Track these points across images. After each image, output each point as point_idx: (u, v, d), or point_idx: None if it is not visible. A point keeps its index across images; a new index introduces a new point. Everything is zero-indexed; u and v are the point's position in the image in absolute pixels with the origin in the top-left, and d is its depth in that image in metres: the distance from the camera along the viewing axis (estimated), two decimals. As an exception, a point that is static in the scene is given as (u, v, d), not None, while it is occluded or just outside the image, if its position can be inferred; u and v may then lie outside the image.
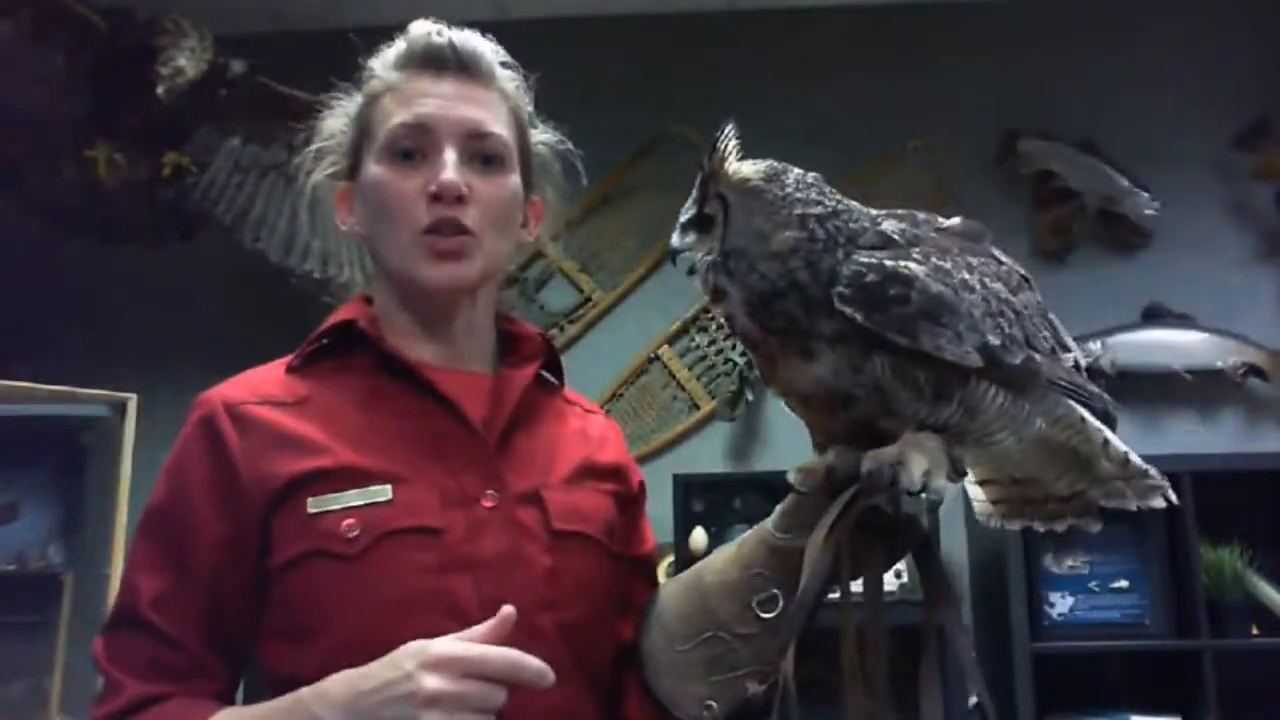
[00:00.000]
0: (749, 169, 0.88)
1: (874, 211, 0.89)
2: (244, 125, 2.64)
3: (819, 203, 0.85)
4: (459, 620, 0.87)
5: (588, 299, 3.12)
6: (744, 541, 0.95)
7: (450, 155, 0.98)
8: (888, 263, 0.82)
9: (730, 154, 0.88)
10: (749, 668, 0.91)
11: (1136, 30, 3.09)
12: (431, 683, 0.79)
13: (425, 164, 0.98)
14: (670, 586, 0.99)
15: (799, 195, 0.85)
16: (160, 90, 2.56)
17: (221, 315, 2.88)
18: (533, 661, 0.82)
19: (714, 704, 0.91)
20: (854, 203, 0.88)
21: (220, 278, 2.89)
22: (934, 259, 0.84)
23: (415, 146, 0.99)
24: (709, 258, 0.89)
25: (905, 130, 2.95)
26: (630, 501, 1.08)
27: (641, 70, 3.17)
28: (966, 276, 0.85)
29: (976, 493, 1.00)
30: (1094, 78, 3.06)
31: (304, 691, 0.85)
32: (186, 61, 2.56)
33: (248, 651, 0.95)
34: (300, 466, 0.92)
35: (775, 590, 0.90)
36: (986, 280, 0.86)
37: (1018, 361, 0.84)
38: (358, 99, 1.05)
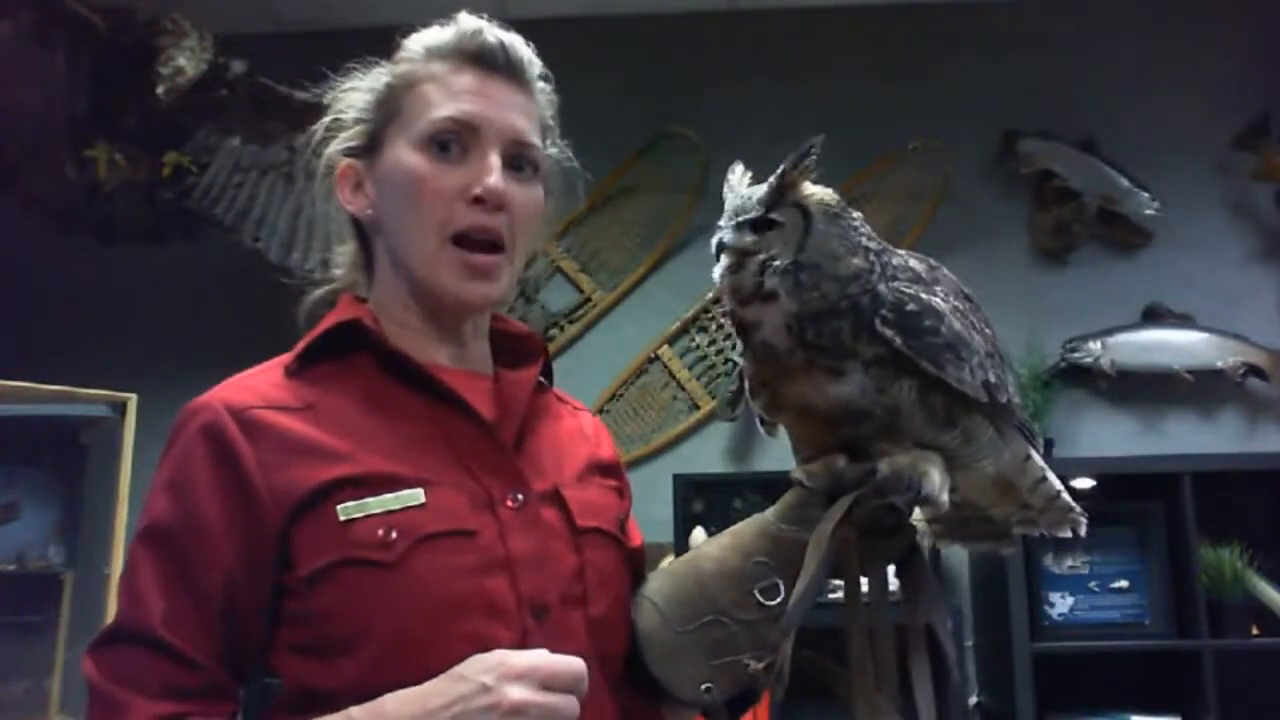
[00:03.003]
0: (827, 193, 0.93)
1: (900, 250, 0.96)
2: (244, 125, 2.63)
3: (872, 238, 0.93)
4: (501, 620, 0.88)
5: (588, 299, 3.13)
6: (740, 531, 0.98)
7: (495, 159, 0.96)
8: (923, 295, 0.90)
9: (812, 169, 0.93)
10: (748, 651, 0.93)
11: (1137, 30, 3.09)
12: (516, 693, 0.80)
13: (464, 163, 0.96)
14: (664, 572, 1.01)
15: (862, 229, 0.93)
16: (160, 90, 2.56)
17: (221, 315, 2.88)
18: (586, 674, 0.84)
19: (712, 685, 0.94)
20: (885, 242, 0.95)
21: (220, 278, 2.89)
22: (951, 299, 0.93)
23: (457, 142, 0.96)
24: (776, 263, 0.91)
25: (905, 130, 2.95)
26: (625, 496, 1.10)
27: (641, 70, 3.17)
28: (973, 319, 0.94)
29: (916, 513, 1.05)
30: (1094, 78, 3.06)
31: (354, 713, 0.83)
32: (186, 61, 2.56)
33: (251, 667, 0.91)
34: (324, 475, 0.88)
35: (777, 579, 0.94)
36: (982, 326, 0.96)
37: (1004, 400, 0.95)
38: (383, 76, 1.01)
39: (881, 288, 0.90)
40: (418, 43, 1.01)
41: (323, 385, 0.95)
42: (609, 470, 1.08)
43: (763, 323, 0.91)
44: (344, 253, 1.07)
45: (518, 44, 1.01)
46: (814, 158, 0.91)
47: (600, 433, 1.13)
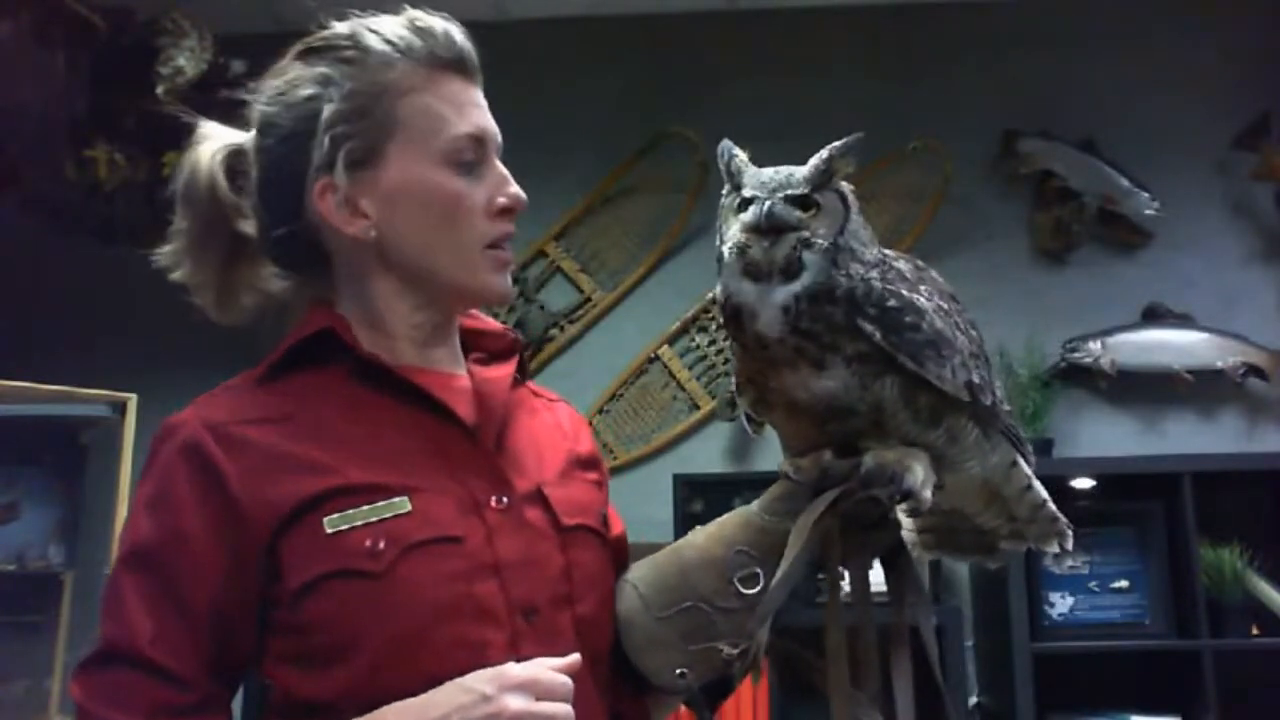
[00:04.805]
0: (848, 184, 0.95)
1: (888, 251, 0.96)
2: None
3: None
4: (492, 625, 0.88)
5: (588, 299, 3.12)
6: (725, 522, 0.99)
7: (503, 169, 0.99)
8: (905, 292, 0.90)
9: (851, 163, 0.94)
10: (725, 640, 0.94)
11: (1137, 30, 3.09)
12: (516, 703, 0.82)
13: (481, 176, 0.97)
14: (648, 560, 1.02)
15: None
16: (160, 90, 2.56)
17: (221, 315, 2.87)
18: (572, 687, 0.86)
19: (688, 671, 0.95)
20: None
21: (220, 278, 2.89)
22: (936, 299, 0.93)
23: (475, 158, 0.97)
24: (820, 241, 0.90)
25: (905, 130, 2.95)
26: (603, 487, 1.10)
27: (641, 70, 3.17)
28: (958, 320, 0.95)
29: (907, 522, 1.06)
30: (1094, 78, 3.06)
31: None
32: (186, 61, 2.56)
33: (242, 678, 0.92)
34: (310, 487, 0.88)
35: (757, 569, 0.95)
36: (967, 328, 0.96)
37: (988, 402, 0.95)
38: (347, 82, 0.95)
39: (875, 282, 0.90)
40: (381, 43, 0.96)
41: (299, 396, 0.94)
42: (588, 464, 1.08)
43: (764, 306, 0.90)
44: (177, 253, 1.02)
45: (471, 42, 1.00)
46: (855, 150, 0.93)
47: (577, 425, 1.12)
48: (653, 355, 3.08)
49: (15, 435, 2.59)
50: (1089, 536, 2.60)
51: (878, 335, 0.88)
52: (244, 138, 1.02)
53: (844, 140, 0.92)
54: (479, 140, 0.97)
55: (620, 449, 3.02)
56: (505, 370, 1.04)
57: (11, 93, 2.50)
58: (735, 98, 3.07)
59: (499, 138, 1.00)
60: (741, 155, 0.96)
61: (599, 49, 3.17)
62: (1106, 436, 2.91)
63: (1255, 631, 2.53)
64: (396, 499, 0.89)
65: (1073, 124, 2.99)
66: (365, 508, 0.88)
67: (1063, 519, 1.06)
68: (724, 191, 0.97)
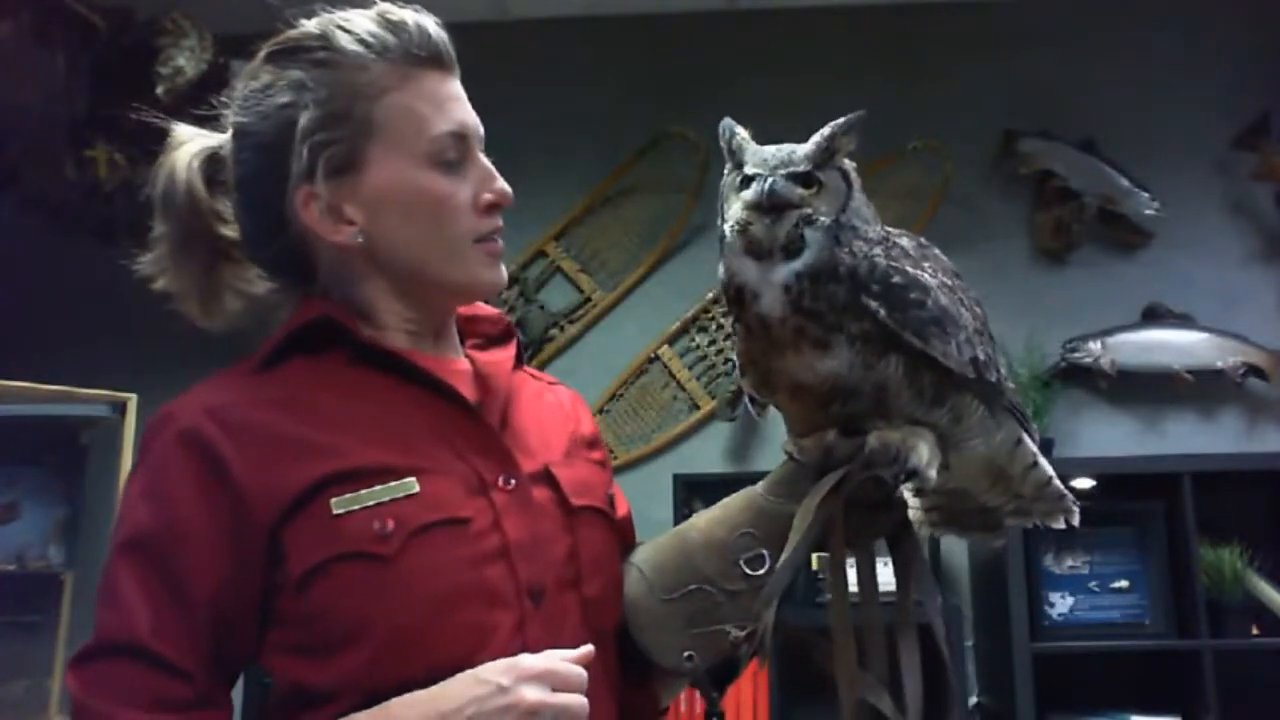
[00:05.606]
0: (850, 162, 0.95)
1: (890, 229, 0.96)
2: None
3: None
4: (501, 608, 0.88)
5: (588, 299, 3.12)
6: (729, 504, 1.00)
7: (487, 163, 0.98)
8: (909, 269, 0.89)
9: (853, 141, 0.94)
10: (731, 622, 0.94)
11: (1137, 30, 3.09)
12: (533, 694, 0.81)
13: (465, 172, 0.96)
14: (653, 542, 1.02)
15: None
16: (160, 90, 2.56)
17: (221, 315, 2.87)
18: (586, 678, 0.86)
19: (694, 654, 0.95)
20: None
21: (220, 278, 2.89)
22: (940, 275, 0.92)
23: (458, 156, 0.95)
24: (822, 219, 0.91)
25: (905, 130, 2.95)
26: (607, 466, 1.10)
27: (641, 70, 3.17)
28: (962, 296, 0.94)
29: (911, 501, 1.06)
30: (1094, 78, 3.06)
31: (359, 718, 0.83)
32: (186, 61, 2.56)
33: (240, 672, 0.90)
34: (315, 470, 0.86)
35: (762, 550, 0.95)
36: (972, 305, 0.96)
37: (993, 379, 0.95)
38: (323, 89, 0.92)
39: (878, 259, 0.90)
40: (354, 44, 0.93)
41: (298, 381, 0.93)
42: (591, 444, 1.08)
43: (766, 285, 0.90)
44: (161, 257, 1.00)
45: (444, 32, 0.98)
46: (857, 128, 0.93)
47: (577, 405, 1.12)
48: (653, 355, 3.08)
49: (15, 435, 2.59)
50: (1089, 536, 2.61)
51: (882, 312, 0.88)
52: (220, 141, 1.00)
53: (846, 118, 0.92)
54: (461, 137, 0.96)
55: (620, 449, 3.02)
56: (505, 354, 1.04)
57: (11, 93, 2.50)
58: (735, 98, 3.06)
59: (480, 130, 0.98)
60: (743, 133, 0.95)
61: (599, 49, 3.16)
62: (1106, 436, 2.91)
63: (1255, 631, 2.53)
64: (404, 480, 0.88)
65: (1073, 124, 2.99)
66: (372, 489, 0.86)
67: (1069, 495, 1.05)
68: (725, 170, 0.96)
